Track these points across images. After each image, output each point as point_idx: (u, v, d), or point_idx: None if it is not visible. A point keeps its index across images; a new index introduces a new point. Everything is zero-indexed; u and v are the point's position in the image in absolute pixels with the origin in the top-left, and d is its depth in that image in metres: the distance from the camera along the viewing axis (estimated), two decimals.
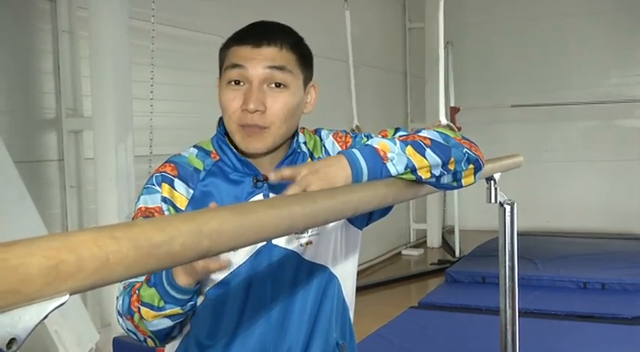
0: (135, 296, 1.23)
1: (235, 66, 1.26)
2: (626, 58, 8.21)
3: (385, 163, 1.14)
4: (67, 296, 0.52)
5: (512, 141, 8.27)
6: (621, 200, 8.19)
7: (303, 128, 1.41)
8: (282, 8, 5.08)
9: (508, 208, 1.75)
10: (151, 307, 1.20)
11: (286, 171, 1.10)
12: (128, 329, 1.28)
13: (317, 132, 1.43)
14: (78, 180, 3.63)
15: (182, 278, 1.16)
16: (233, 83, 1.27)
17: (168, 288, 1.18)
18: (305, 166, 1.12)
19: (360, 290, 1.49)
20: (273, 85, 1.26)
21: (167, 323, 1.24)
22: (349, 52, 5.05)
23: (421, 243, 8.11)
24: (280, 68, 1.26)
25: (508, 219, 1.75)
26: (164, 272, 1.18)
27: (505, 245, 1.75)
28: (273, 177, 1.11)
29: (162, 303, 1.19)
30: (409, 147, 1.17)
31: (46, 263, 0.49)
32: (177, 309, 1.21)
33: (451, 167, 1.20)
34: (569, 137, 8.43)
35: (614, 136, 8.23)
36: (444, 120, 4.51)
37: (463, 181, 1.25)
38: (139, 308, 1.22)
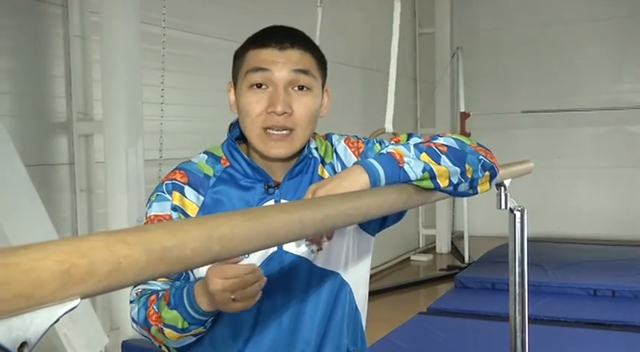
0: (152, 312, 1.24)
1: (259, 69, 1.25)
2: (638, 64, 8.17)
3: (402, 166, 1.13)
4: (79, 300, 0.52)
5: (522, 147, 8.25)
6: (633, 207, 8.14)
7: (314, 133, 1.40)
8: (292, 14, 5.10)
9: (518, 214, 1.74)
10: (175, 329, 1.22)
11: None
12: (144, 336, 1.30)
13: (328, 137, 1.42)
14: (88, 184, 3.64)
15: (205, 305, 1.17)
16: (255, 87, 1.26)
17: (191, 312, 1.19)
18: (316, 183, 1.13)
19: (368, 295, 1.48)
20: (297, 88, 1.27)
21: (191, 339, 1.26)
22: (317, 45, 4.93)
23: (430, 249, 8.09)
24: (305, 71, 1.27)
25: (518, 225, 1.73)
26: (185, 295, 1.19)
27: (515, 251, 1.74)
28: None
29: (186, 325, 1.21)
30: (424, 153, 1.16)
31: (58, 267, 0.49)
32: (200, 329, 1.23)
33: (468, 175, 1.19)
34: (580, 143, 8.40)
35: (625, 142, 8.19)
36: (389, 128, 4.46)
37: (479, 188, 1.24)
38: (161, 328, 1.23)
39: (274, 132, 1.26)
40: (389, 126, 4.62)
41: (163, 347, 1.30)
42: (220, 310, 1.19)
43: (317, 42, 4.57)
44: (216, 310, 1.19)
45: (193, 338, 1.26)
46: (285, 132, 1.26)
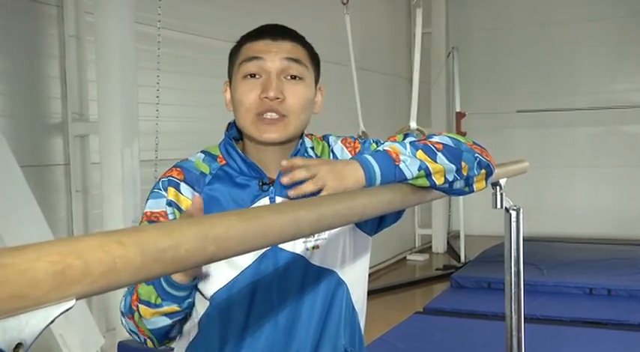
0: (135, 295, 1.25)
1: (253, 58, 1.29)
2: (634, 63, 8.19)
3: (397, 165, 1.14)
4: (74, 300, 0.52)
5: (518, 146, 8.26)
6: (628, 206, 8.16)
7: (311, 134, 1.41)
8: (289, 14, 5.10)
9: (514, 214, 1.74)
10: (148, 304, 1.22)
11: (298, 160, 1.11)
12: (130, 330, 1.30)
13: (325, 138, 1.43)
14: (84, 185, 3.63)
15: (177, 275, 1.17)
16: (249, 76, 1.29)
17: (164, 285, 1.19)
18: (319, 162, 1.14)
19: None
20: (289, 77, 1.29)
21: (165, 321, 1.25)
22: (351, 57, 5.06)
23: (426, 249, 8.09)
24: (296, 60, 1.30)
25: (514, 224, 1.74)
26: None
27: (511, 250, 1.75)
28: (285, 163, 1.13)
29: (159, 300, 1.21)
30: (420, 151, 1.18)
31: (54, 268, 0.49)
32: (174, 306, 1.22)
33: (464, 172, 1.21)
34: (575, 143, 8.41)
35: (620, 142, 8.20)
36: (413, 125, 4.67)
37: (475, 186, 1.26)
38: (137, 306, 1.24)
39: (267, 116, 1.28)
40: (413, 124, 4.86)
41: (149, 342, 1.30)
42: (195, 283, 1.20)
43: (350, 48, 4.61)
44: (189, 283, 1.19)
45: (168, 320, 1.25)
46: (277, 116, 1.28)
